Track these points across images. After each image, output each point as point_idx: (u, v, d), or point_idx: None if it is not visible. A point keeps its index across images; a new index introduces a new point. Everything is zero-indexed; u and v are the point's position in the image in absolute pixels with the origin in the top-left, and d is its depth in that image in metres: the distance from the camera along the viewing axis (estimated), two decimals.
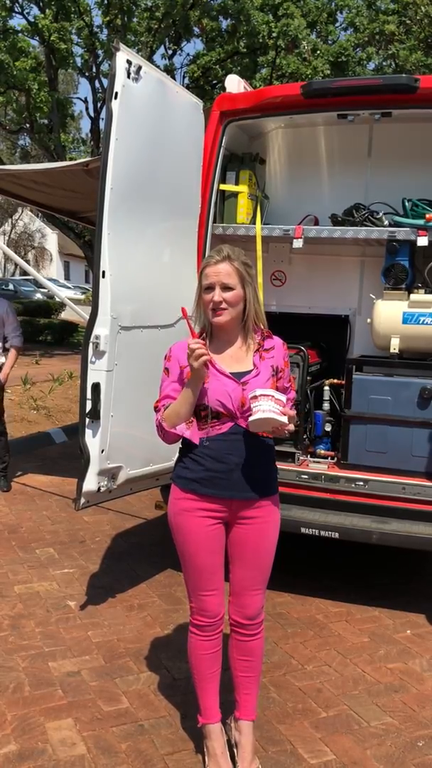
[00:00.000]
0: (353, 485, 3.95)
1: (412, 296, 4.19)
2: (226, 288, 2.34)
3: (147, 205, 3.65)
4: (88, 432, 3.42)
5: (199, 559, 2.41)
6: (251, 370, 2.39)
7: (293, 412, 2.33)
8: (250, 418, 2.24)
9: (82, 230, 16.73)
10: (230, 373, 2.37)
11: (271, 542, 2.49)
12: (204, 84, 17.88)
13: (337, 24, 18.29)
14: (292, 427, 2.32)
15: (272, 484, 2.48)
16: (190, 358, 2.26)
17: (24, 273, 34.03)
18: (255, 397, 2.24)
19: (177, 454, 2.50)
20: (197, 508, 2.39)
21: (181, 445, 2.48)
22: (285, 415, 2.23)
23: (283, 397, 2.25)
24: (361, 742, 2.74)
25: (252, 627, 2.51)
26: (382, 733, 2.81)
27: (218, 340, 2.44)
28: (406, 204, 4.20)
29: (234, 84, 4.40)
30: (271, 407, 2.21)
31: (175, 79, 15.60)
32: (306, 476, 4.06)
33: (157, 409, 2.44)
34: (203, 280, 2.38)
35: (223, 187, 4.41)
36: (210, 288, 2.35)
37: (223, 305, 2.34)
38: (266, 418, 2.20)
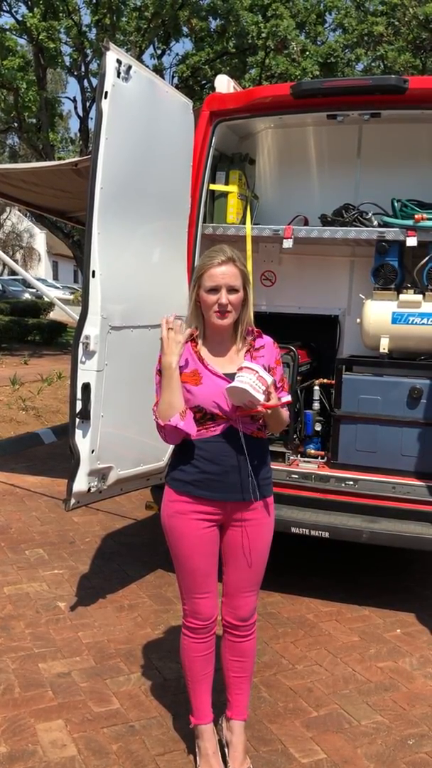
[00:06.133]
0: (343, 485, 3.96)
1: (402, 296, 4.21)
2: (231, 290, 2.32)
3: (137, 205, 3.64)
4: (78, 432, 3.40)
5: (193, 562, 2.40)
6: None
7: (274, 394, 2.30)
8: (227, 386, 2.26)
9: (70, 230, 16.68)
10: (224, 374, 2.36)
11: (265, 544, 2.48)
12: (193, 84, 17.88)
13: (326, 25, 18.37)
14: (262, 409, 2.26)
15: (267, 485, 2.47)
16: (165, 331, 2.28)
17: (12, 273, 33.87)
18: (241, 368, 2.26)
19: (168, 455, 2.50)
20: (192, 511, 2.37)
21: (175, 446, 2.46)
22: (265, 394, 2.21)
23: (269, 378, 2.24)
24: (352, 741, 2.74)
25: (245, 628, 2.51)
26: (372, 731, 2.81)
27: (211, 342, 2.42)
28: (396, 204, 4.22)
29: (223, 84, 4.40)
30: (250, 380, 2.20)
31: (164, 78, 15.58)
32: (296, 476, 4.06)
33: (154, 412, 2.40)
34: (207, 281, 2.31)
35: (212, 187, 4.41)
36: (215, 290, 2.31)
37: (229, 308, 2.32)
38: (241, 389, 2.20)
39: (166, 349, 2.30)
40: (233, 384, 2.23)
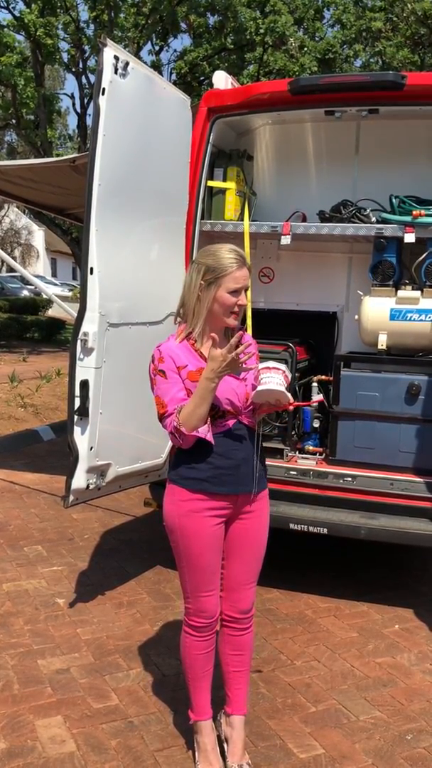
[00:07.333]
0: (341, 481, 3.97)
1: (400, 293, 4.21)
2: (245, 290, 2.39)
3: (135, 202, 3.64)
4: (77, 429, 3.41)
5: (203, 560, 2.40)
6: None
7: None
8: (260, 387, 2.28)
9: (69, 227, 16.65)
10: None
11: (266, 534, 2.55)
12: (191, 80, 17.86)
13: (324, 21, 18.36)
14: (291, 407, 2.37)
15: (266, 476, 2.56)
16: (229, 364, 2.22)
17: (11, 270, 33.81)
18: (267, 368, 2.30)
19: (166, 452, 2.50)
20: (206, 508, 2.38)
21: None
22: (290, 391, 2.31)
23: (290, 375, 2.31)
24: (350, 736, 2.75)
25: (245, 621, 2.54)
26: (370, 727, 2.82)
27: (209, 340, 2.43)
28: (394, 201, 4.21)
29: (221, 80, 4.39)
30: (281, 381, 2.27)
31: (162, 75, 15.56)
32: (294, 472, 4.07)
33: (166, 415, 2.33)
34: (231, 283, 2.31)
35: (210, 183, 4.40)
36: (237, 291, 2.34)
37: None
38: (275, 390, 2.26)
39: (220, 369, 2.23)
40: (267, 387, 2.26)
